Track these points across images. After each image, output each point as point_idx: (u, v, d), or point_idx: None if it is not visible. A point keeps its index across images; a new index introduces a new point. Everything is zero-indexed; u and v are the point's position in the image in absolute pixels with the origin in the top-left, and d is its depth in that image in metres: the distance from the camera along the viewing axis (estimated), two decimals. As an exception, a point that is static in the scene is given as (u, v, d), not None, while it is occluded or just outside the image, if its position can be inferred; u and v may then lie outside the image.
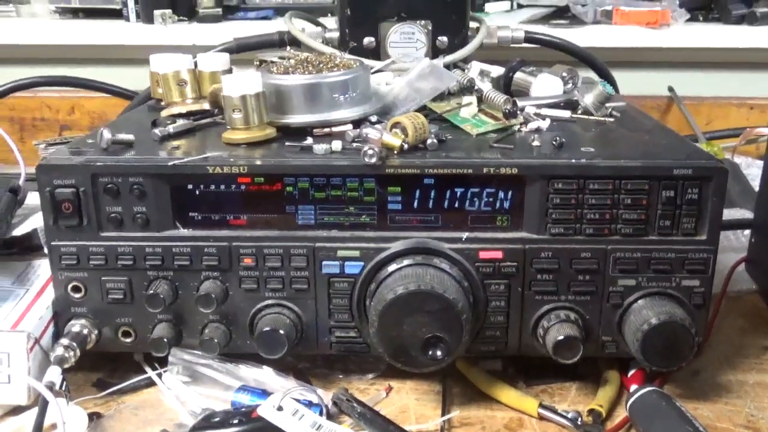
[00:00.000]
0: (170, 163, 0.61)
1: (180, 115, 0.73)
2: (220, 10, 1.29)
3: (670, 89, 1.26)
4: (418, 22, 0.84)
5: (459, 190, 0.63)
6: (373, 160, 0.60)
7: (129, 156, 0.63)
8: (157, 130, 0.68)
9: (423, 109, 0.73)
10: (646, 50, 1.23)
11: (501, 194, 0.63)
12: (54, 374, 0.60)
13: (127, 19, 1.29)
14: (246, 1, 1.36)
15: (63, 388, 0.60)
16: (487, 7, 1.28)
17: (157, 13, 1.24)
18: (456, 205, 0.63)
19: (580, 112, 0.75)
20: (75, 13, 1.36)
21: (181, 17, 1.28)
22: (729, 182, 0.61)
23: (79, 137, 0.74)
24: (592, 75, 1.03)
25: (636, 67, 1.27)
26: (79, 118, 1.30)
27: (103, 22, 1.30)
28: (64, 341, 0.63)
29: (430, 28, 0.84)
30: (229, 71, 0.78)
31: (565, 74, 0.81)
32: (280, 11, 1.32)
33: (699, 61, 1.27)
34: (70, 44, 1.27)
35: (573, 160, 0.61)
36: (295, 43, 0.90)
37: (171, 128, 0.68)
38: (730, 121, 1.25)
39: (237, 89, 0.64)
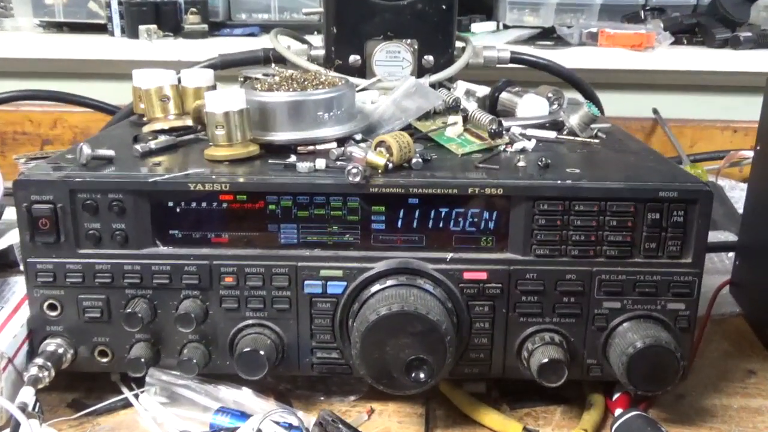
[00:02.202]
0: (151, 180, 0.61)
1: (162, 131, 0.72)
2: (206, 26, 1.28)
3: (655, 111, 1.27)
4: (404, 40, 0.84)
5: (443, 210, 0.62)
6: (357, 179, 0.60)
7: (109, 172, 0.62)
8: (138, 146, 0.67)
9: (408, 128, 0.73)
10: (630, 72, 1.23)
11: (486, 215, 0.62)
12: (27, 395, 0.58)
13: (112, 33, 1.28)
14: (232, 18, 1.36)
15: (36, 409, 0.58)
16: (473, 27, 1.29)
17: (142, 28, 1.24)
18: (440, 225, 0.63)
19: (565, 133, 0.75)
20: (59, 27, 1.35)
21: (167, 33, 1.27)
22: (713, 205, 0.61)
23: (59, 152, 0.73)
24: (577, 96, 1.03)
25: (621, 89, 1.28)
26: (62, 132, 1.29)
27: (87, 37, 1.30)
28: (39, 361, 0.61)
29: (416, 47, 0.84)
30: (213, 87, 0.77)
31: (550, 95, 0.81)
32: (266, 28, 1.32)
33: (683, 83, 1.28)
34: (54, 58, 1.26)
35: (558, 182, 0.61)
36: (281, 60, 0.90)
37: (152, 144, 0.68)
38: (714, 144, 1.26)
39: (220, 106, 0.63)
